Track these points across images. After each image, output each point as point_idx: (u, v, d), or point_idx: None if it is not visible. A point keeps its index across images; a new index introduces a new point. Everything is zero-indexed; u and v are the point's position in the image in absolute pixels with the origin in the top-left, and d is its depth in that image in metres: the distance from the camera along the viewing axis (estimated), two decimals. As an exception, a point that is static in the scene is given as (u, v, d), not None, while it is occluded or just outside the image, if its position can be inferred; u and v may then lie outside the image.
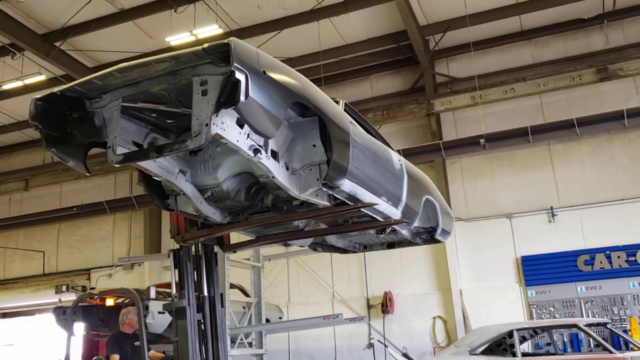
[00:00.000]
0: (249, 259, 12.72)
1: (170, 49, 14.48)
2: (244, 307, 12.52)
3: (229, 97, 3.42)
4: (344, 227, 5.48)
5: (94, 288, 18.38)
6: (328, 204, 4.65)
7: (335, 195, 4.55)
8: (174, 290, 5.64)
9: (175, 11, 13.55)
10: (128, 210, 18.47)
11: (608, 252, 13.32)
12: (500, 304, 13.95)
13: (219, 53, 3.45)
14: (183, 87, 3.77)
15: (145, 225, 18.28)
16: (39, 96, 3.95)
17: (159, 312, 9.91)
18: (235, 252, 6.07)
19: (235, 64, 3.35)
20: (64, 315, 10.35)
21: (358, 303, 15.33)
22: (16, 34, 13.87)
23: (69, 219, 18.94)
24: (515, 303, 13.91)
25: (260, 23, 14.42)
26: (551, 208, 14.07)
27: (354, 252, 7.05)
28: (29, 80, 15.22)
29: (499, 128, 14.21)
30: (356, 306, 15.31)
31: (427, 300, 14.72)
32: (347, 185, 4.41)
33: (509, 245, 14.26)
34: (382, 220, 5.30)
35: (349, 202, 4.67)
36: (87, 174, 4.70)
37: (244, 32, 14.30)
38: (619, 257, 13.25)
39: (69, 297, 17.81)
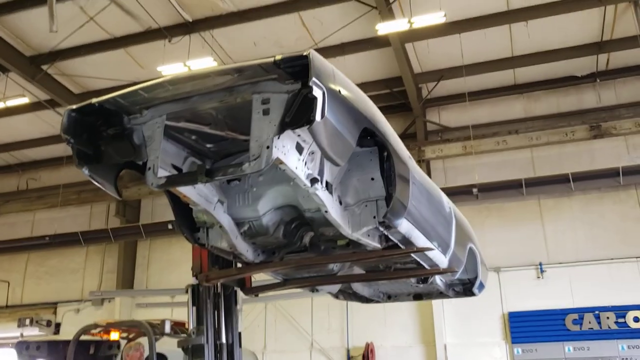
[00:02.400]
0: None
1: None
2: (219, 351, 11.90)
3: (296, 116, 3.07)
4: (385, 273, 5.07)
5: (59, 324, 17.51)
6: (379, 245, 4.21)
7: (390, 236, 4.11)
8: (191, 327, 5.19)
9: (169, 41, 13.32)
10: (102, 243, 17.78)
11: (597, 312, 13.01)
12: (486, 361, 13.48)
13: (292, 66, 3.09)
14: (235, 106, 3.43)
15: (119, 260, 17.57)
16: (74, 107, 3.57)
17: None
18: (257, 295, 5.57)
19: (314, 78, 3.01)
20: (27, 350, 9.63)
21: (338, 353, 14.71)
22: (2, 54, 13.46)
23: (40, 249, 18.15)
24: (501, 360, 13.45)
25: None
26: (540, 264, 13.80)
27: (377, 301, 6.61)
28: (12, 102, 14.68)
29: (489, 179, 14.06)
30: (336, 357, 14.69)
31: (410, 354, 14.18)
32: (404, 226, 4.00)
33: (496, 300, 13.88)
34: (427, 267, 4.88)
35: (401, 245, 4.24)
36: (119, 198, 4.27)
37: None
38: (608, 317, 12.93)
39: (32, 332, 16.90)
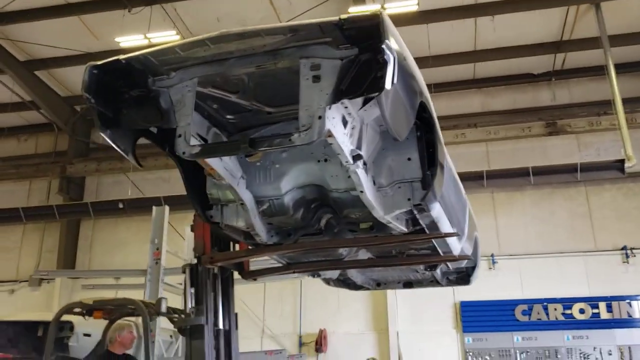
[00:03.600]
0: (181, 284, 11.76)
1: (121, 51, 13.55)
2: (171, 335, 11.48)
3: (354, 84, 2.86)
4: (399, 259, 4.90)
5: None
6: (405, 229, 4.02)
7: (420, 220, 3.95)
8: (189, 307, 4.87)
9: (129, 12, 12.67)
10: (42, 221, 16.86)
11: (545, 303, 13.44)
12: (436, 349, 13.67)
13: (359, 28, 2.84)
14: (271, 73, 3.19)
15: (60, 239, 16.68)
16: (97, 63, 3.20)
17: (84, 335, 8.81)
18: (255, 280, 5.32)
19: (387, 41, 2.78)
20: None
21: (289, 340, 14.55)
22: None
23: (-28, 226, 17.02)
24: (451, 349, 13.68)
25: (219, 36, 13.75)
26: (492, 255, 14.09)
27: (367, 289, 6.45)
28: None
29: (446, 171, 14.19)
30: (287, 343, 14.51)
31: (362, 341, 14.19)
32: (436, 210, 3.85)
33: (448, 290, 13.94)
34: (442, 254, 4.75)
35: (427, 230, 4.08)
36: (141, 167, 3.92)
37: (200, 44, 13.58)
38: (555, 309, 13.38)
39: (-41, 313, 15.86)
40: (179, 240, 11.61)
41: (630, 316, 13.09)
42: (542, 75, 15.10)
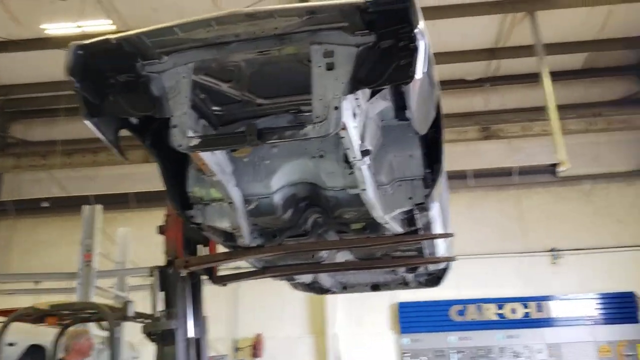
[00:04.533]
0: (112, 287, 11.16)
1: (49, 39, 12.71)
2: (102, 342, 10.83)
3: (374, 73, 2.65)
4: (384, 261, 4.69)
5: None
6: (401, 230, 3.84)
7: (419, 220, 3.76)
8: (158, 311, 4.47)
9: (58, -3, 11.85)
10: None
11: (479, 303, 13.75)
12: (374, 351, 13.69)
13: (385, 11, 2.62)
14: (272, 60, 2.94)
15: (-27, 241, 15.44)
16: (82, 43, 2.85)
17: (9, 344, 8.10)
18: (225, 285, 4.99)
19: (419, 26, 2.57)
20: None
21: (224, 345, 14.09)
22: None
23: None
24: (389, 350, 13.75)
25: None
26: (428, 257, 14.24)
27: (334, 292, 6.21)
28: None
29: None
30: (221, 348, 14.06)
31: (300, 344, 14.01)
32: (435, 209, 3.70)
33: (386, 292, 14.11)
34: (428, 255, 4.61)
35: (422, 230, 3.93)
36: (126, 160, 3.53)
37: (136, 35, 12.94)
38: (489, 309, 13.72)
39: None
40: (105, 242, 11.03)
41: (559, 315, 13.62)
42: (476, 81, 15.45)
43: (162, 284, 4.58)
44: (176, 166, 3.61)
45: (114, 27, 12.19)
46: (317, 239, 4.02)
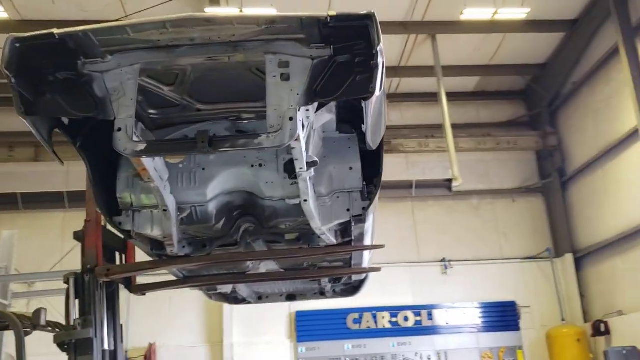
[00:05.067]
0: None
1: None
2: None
3: (329, 86, 2.67)
4: (310, 272, 4.66)
5: None
6: (335, 241, 3.83)
7: (354, 231, 3.75)
8: (72, 320, 4.13)
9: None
10: None
11: (375, 312, 14.11)
12: (271, 360, 13.66)
13: (347, 27, 2.63)
14: (220, 66, 2.91)
15: None
16: (20, 35, 2.63)
17: None
18: (144, 294, 4.73)
19: (381, 45, 2.59)
20: None
21: (114, 354, 13.46)
22: None
23: None
24: (286, 359, 13.73)
25: (51, 20, 12.41)
26: (327, 266, 14.46)
27: (249, 302, 6.08)
28: None
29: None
30: (111, 358, 13.42)
31: (195, 354, 13.68)
32: (370, 221, 3.71)
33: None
34: (354, 266, 4.63)
35: (354, 242, 3.92)
36: (62, 164, 3.26)
37: (31, 26, 12.14)
38: (383, 317, 14.13)
39: None
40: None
41: (448, 323, 14.30)
42: (378, 96, 15.96)
43: (78, 291, 4.32)
44: (105, 171, 3.44)
45: (6, 16, 11.39)
46: (246, 249, 3.98)
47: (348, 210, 3.58)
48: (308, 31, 2.71)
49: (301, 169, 3.04)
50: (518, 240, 15.34)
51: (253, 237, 3.91)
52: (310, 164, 3.07)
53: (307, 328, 13.95)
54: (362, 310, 14.05)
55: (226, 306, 13.60)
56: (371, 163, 3.58)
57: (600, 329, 12.99)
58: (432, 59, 13.51)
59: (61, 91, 2.78)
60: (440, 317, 14.34)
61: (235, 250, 3.95)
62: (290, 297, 6.08)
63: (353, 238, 3.84)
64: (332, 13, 2.61)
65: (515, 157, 15.97)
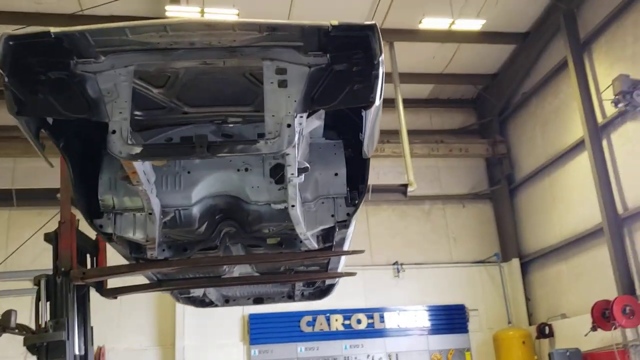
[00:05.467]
0: None
1: None
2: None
3: (327, 94, 2.71)
4: (286, 276, 4.67)
5: None
6: (317, 246, 3.84)
7: (337, 237, 3.77)
8: (44, 322, 3.94)
9: None
10: None
11: (328, 314, 14.17)
12: (224, 363, 13.53)
13: (349, 37, 2.67)
14: (212, 70, 2.90)
15: None
16: (14, 33, 2.55)
17: None
18: (115, 298, 4.59)
19: (382, 55, 2.64)
20: None
21: (60, 358, 13.04)
22: None
23: None
24: (238, 362, 13.66)
25: (3, 12, 12.00)
26: (281, 268, 14.45)
27: (216, 305, 5.99)
28: None
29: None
30: (56, 362, 13.00)
31: (145, 357, 13.39)
32: (352, 226, 3.72)
33: (237, 302, 14.05)
34: (330, 270, 4.65)
35: (333, 247, 3.93)
36: (51, 166, 3.12)
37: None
38: (336, 320, 14.22)
39: None
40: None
41: (399, 326, 14.53)
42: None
43: (49, 293, 4.18)
44: (86, 173, 3.36)
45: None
46: (225, 253, 3.96)
47: (332, 215, 3.61)
48: (307, 39, 2.74)
49: (292, 174, 3.08)
50: (467, 244, 15.74)
51: (234, 240, 3.90)
52: (301, 170, 3.10)
53: (260, 331, 13.89)
54: (315, 313, 14.10)
55: (179, 308, 13.41)
56: (355, 170, 3.63)
57: (545, 332, 13.49)
58: (389, 66, 13.73)
59: (54, 91, 2.72)
60: (391, 320, 14.55)
61: (214, 254, 3.93)
62: (258, 301, 6.04)
63: (334, 243, 3.87)
64: (335, 22, 2.66)
65: (465, 164, 16.40)
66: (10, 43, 2.54)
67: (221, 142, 2.87)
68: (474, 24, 13.01)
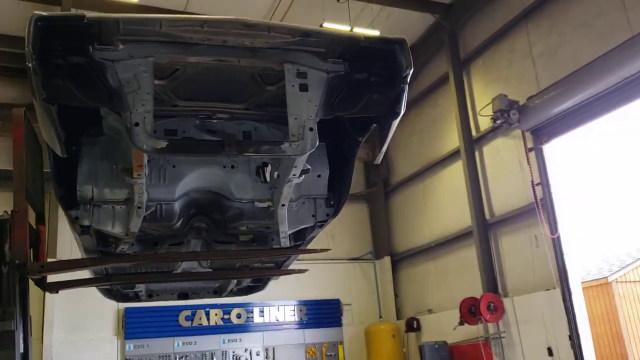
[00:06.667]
0: None
1: None
2: None
3: (347, 101, 2.86)
4: (242, 272, 4.72)
5: None
6: (288, 244, 3.93)
7: (311, 236, 3.93)
8: None
9: None
10: None
11: (208, 309, 14.08)
12: (95, 358, 12.89)
13: (378, 49, 2.83)
14: (221, 67, 2.92)
15: None
16: (44, 14, 2.43)
17: None
18: (57, 292, 4.25)
19: (410, 69, 2.82)
20: None
21: None
22: None
23: None
24: (111, 357, 13.10)
25: None
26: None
27: (139, 300, 5.79)
28: None
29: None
30: None
31: (8, 353, 12.36)
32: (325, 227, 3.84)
33: (112, 295, 13.47)
34: (283, 268, 4.74)
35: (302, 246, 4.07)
36: (63, 156, 2.85)
37: None
38: (216, 314, 14.18)
39: None
40: None
41: (278, 320, 14.81)
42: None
43: None
44: (65, 164, 3.23)
45: None
46: (186, 248, 3.96)
47: (313, 216, 3.80)
48: (329, 46, 2.88)
49: (294, 175, 3.20)
50: (344, 242, 16.41)
51: (204, 236, 3.91)
52: (303, 172, 3.23)
53: (136, 325, 13.44)
54: (195, 308, 13.94)
55: (48, 300, 12.63)
56: (336, 172, 3.81)
57: (413, 326, 14.50)
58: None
59: (72, 77, 2.63)
60: (271, 315, 14.79)
61: (177, 250, 3.92)
62: (183, 296, 5.99)
63: (305, 242, 4.03)
64: (367, 35, 2.85)
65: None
66: (39, 24, 2.43)
67: (248, 142, 2.93)
68: (369, 33, 13.60)
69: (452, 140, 13.66)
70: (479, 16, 13.11)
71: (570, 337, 10.18)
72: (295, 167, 3.13)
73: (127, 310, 13.44)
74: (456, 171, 13.68)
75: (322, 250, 4.42)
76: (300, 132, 2.84)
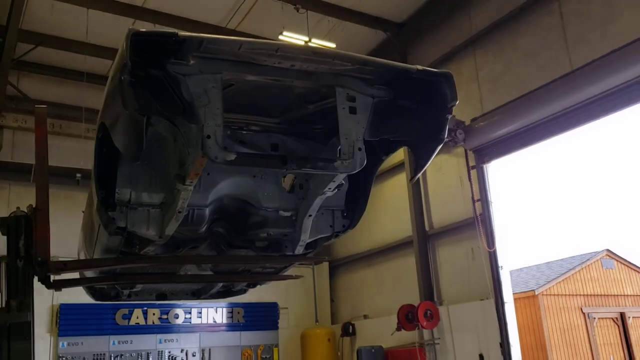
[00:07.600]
0: None
1: None
2: None
3: (392, 126, 3.15)
4: (241, 276, 4.93)
5: None
6: (300, 252, 4.12)
7: (321, 245, 4.13)
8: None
9: None
10: None
11: (146, 308, 13.93)
12: (26, 356, 12.45)
13: (427, 81, 3.13)
14: (269, 85, 3.12)
15: None
16: (139, 30, 2.60)
17: None
18: (60, 290, 4.21)
19: (457, 101, 3.11)
20: None
21: None
22: None
23: None
24: (44, 354, 12.69)
25: None
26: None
27: (119, 300, 5.77)
28: None
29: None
30: None
31: None
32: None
33: (47, 292, 12.89)
34: (285, 274, 4.96)
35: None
36: (136, 162, 3.18)
37: None
38: (154, 314, 14.05)
39: None
40: None
41: (215, 321, 14.83)
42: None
43: (10, 275, 3.87)
44: (107, 166, 3.37)
45: None
46: (208, 252, 4.12)
47: (331, 226, 4.02)
48: (380, 74, 3.17)
49: (329, 189, 3.44)
50: (285, 247, 16.62)
51: (221, 241, 4.07)
52: (338, 186, 3.49)
53: (71, 322, 13.10)
54: (132, 306, 13.75)
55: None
56: (355, 186, 4.08)
57: (349, 330, 14.94)
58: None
59: (151, 89, 2.77)
60: (208, 316, 14.79)
61: (195, 253, 4.07)
62: (161, 296, 6.05)
63: (316, 250, 4.28)
64: (420, 67, 3.16)
65: (290, 171, 17.31)
66: (135, 39, 2.58)
67: (307, 159, 3.14)
68: (327, 44, 13.92)
69: (397, 154, 14.12)
70: (429, 37, 13.77)
71: (501, 345, 10.91)
72: (334, 182, 3.38)
73: (62, 306, 13.10)
74: (399, 183, 14.25)
75: (323, 260, 4.72)
76: (350, 151, 3.07)
